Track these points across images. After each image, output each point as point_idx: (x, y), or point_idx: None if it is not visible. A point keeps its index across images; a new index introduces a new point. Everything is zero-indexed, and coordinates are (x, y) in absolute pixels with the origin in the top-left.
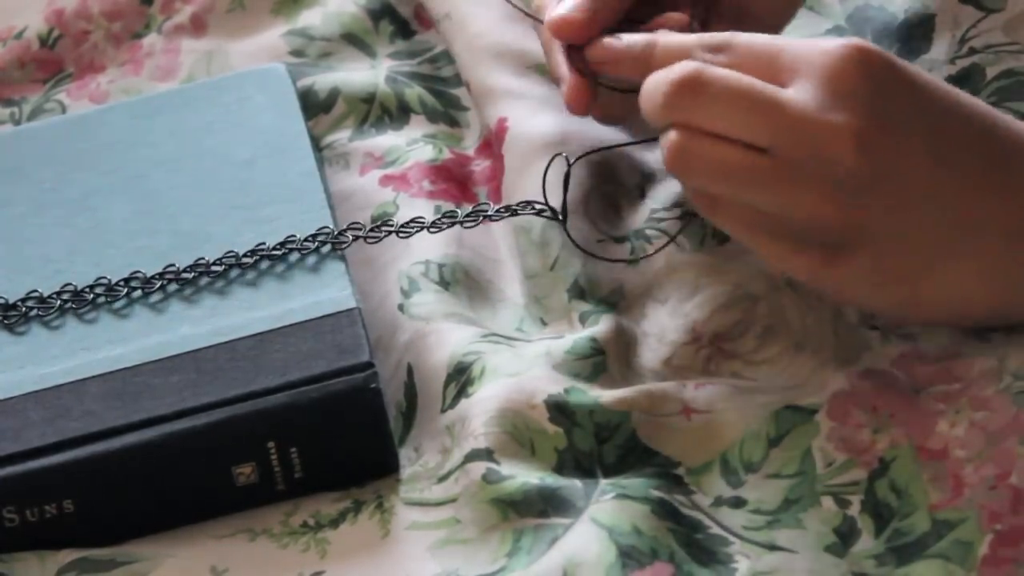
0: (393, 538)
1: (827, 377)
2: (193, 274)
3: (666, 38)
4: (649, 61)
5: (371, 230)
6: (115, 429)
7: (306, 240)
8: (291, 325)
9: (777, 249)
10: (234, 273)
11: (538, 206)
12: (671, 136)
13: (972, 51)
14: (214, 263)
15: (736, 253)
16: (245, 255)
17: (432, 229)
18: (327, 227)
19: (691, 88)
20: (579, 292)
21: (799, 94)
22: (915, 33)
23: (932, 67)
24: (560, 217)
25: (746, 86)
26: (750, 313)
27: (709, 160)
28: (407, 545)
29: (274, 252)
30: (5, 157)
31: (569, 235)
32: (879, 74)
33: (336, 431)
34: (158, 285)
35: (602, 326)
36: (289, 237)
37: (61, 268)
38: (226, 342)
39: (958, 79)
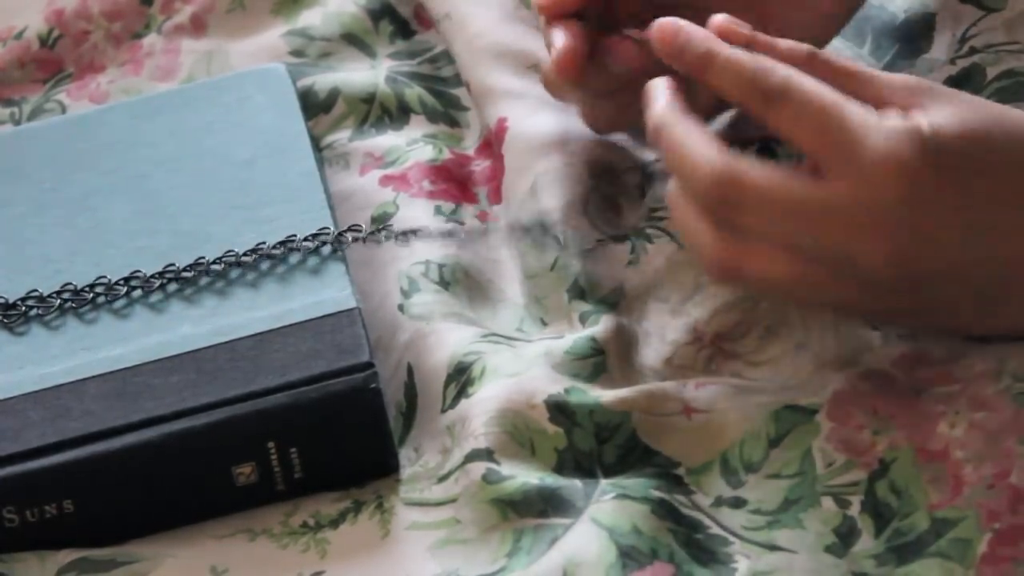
0: (393, 538)
1: (828, 377)
2: (193, 273)
3: (726, 55)
4: (704, 71)
5: (370, 233)
6: (115, 429)
7: (306, 240)
8: (291, 325)
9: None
10: (234, 273)
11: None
12: (708, 247)
13: (972, 50)
14: (214, 262)
15: None
16: (245, 254)
17: (427, 239)
18: (327, 227)
19: (727, 194)
20: (579, 292)
21: (836, 196)
22: (915, 32)
23: (932, 67)
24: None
25: (782, 192)
26: (751, 313)
27: (747, 268)
28: (407, 545)
29: (274, 252)
30: (5, 157)
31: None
32: (919, 185)
33: (336, 431)
34: (158, 284)
35: (602, 326)
36: (289, 237)
37: (61, 268)
38: (226, 342)
39: (958, 79)
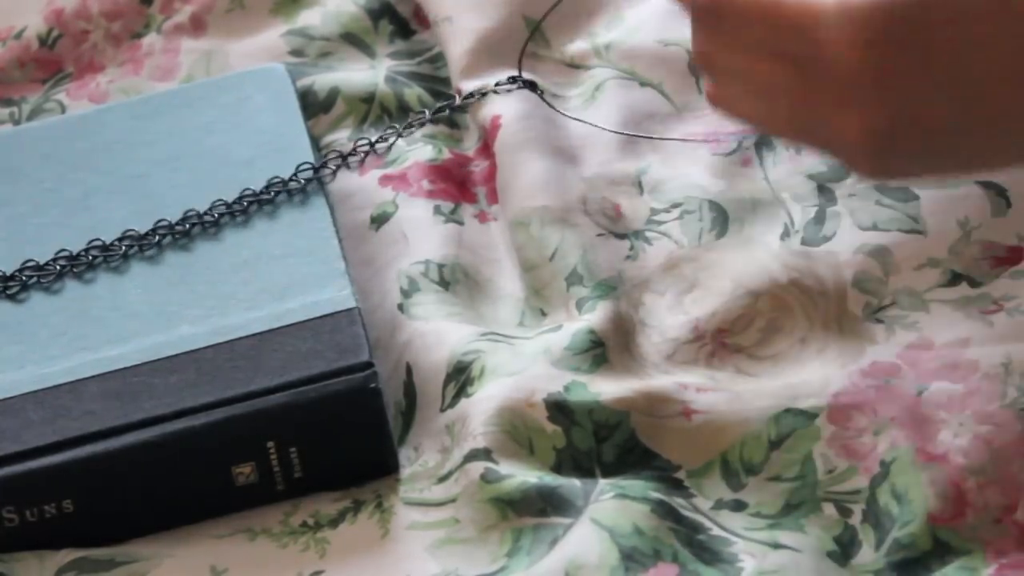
0: (392, 538)
1: (830, 375)
2: (185, 226)
3: None
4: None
5: (349, 153)
6: (115, 429)
7: (291, 180)
8: (290, 325)
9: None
10: (224, 219)
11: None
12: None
13: None
14: (205, 213)
15: (734, 247)
16: (235, 201)
17: (406, 132)
18: (308, 162)
19: (712, 13)
20: (578, 279)
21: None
22: None
23: None
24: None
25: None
26: (751, 308)
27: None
28: (406, 545)
29: (262, 196)
30: (5, 157)
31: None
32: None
33: (336, 431)
34: (153, 240)
35: (599, 315)
36: (273, 178)
37: None
38: (225, 342)
39: None
